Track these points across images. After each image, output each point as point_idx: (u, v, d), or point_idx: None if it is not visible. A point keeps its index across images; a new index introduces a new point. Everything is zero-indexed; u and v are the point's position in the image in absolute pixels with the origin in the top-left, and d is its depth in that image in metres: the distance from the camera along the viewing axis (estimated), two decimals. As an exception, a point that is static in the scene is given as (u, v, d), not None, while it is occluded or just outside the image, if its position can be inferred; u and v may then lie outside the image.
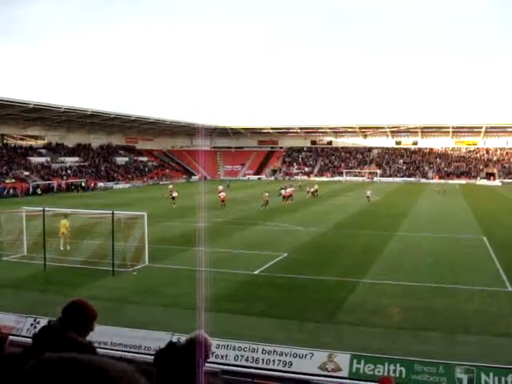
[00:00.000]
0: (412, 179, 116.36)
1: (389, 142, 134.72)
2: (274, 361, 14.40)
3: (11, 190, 79.00)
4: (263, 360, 14.48)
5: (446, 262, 29.28)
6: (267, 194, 57.78)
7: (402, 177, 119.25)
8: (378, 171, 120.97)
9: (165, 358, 4.37)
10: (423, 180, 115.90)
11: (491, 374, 12.97)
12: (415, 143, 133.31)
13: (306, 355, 14.33)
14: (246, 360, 14.57)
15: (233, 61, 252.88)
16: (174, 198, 60.27)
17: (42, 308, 19.70)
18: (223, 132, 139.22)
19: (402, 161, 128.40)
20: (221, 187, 71.59)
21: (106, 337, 15.98)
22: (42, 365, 1.61)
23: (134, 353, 15.08)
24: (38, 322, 16.85)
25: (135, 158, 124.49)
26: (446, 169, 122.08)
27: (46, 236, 27.90)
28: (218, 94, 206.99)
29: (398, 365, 13.68)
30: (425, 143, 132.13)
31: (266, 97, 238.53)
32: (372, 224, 44.02)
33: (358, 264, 28.48)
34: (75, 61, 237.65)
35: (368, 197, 65.97)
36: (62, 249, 30.44)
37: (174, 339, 14.24)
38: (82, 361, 1.61)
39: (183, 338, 5.29)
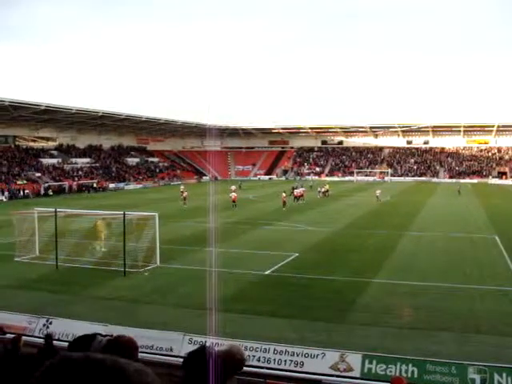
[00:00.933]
0: (423, 178, 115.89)
1: (400, 142, 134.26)
2: (285, 361, 14.38)
3: (22, 192, 79.28)
4: (275, 360, 14.46)
5: (458, 261, 29.16)
6: (284, 195, 57.83)
7: (413, 176, 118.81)
8: (389, 171, 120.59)
9: (195, 361, 4.33)
10: (434, 179, 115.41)
11: (504, 375, 12.87)
12: (426, 142, 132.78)
13: (318, 355, 14.30)
14: (258, 360, 14.55)
15: (243, 61, 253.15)
16: (185, 198, 60.40)
17: (55, 308, 19.82)
18: (234, 132, 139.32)
19: (413, 160, 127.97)
20: (233, 187, 71.88)
21: (117, 337, 16.00)
22: (61, 363, 1.62)
23: (146, 353, 15.10)
24: (51, 323, 16.94)
25: (146, 158, 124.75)
26: (457, 168, 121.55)
27: (58, 237, 28.04)
28: (228, 94, 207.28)
29: (410, 365, 13.61)
30: (436, 142, 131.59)
31: (276, 97, 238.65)
32: (383, 224, 43.92)
33: (369, 264, 28.42)
34: (86, 62, 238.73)
35: (377, 196, 66.00)
36: (97, 249, 30.41)
37: (208, 343, 14.27)
38: (99, 359, 1.62)
39: (217, 345, 5.27)
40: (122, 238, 26.30)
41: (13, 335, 11.45)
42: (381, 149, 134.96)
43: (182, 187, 79.34)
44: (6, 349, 7.85)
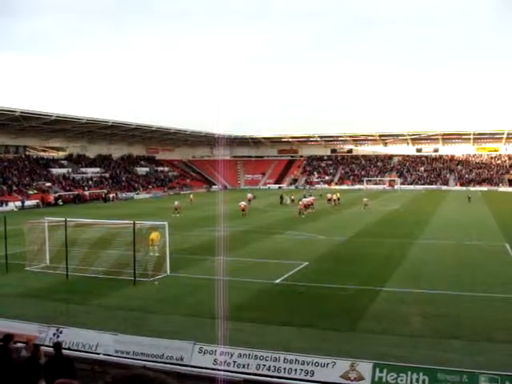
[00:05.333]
0: (433, 187, 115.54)
1: (409, 150, 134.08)
2: (295, 370, 14.36)
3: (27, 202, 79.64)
4: (285, 369, 14.45)
5: (468, 269, 29.04)
6: (302, 202, 57.99)
7: (423, 184, 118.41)
8: (399, 179, 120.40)
9: None
10: (444, 187, 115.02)
11: (516, 383, 12.82)
12: (436, 150, 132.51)
13: (328, 364, 14.27)
14: (268, 369, 14.54)
15: (253, 70, 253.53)
16: (176, 208, 60.96)
17: (65, 317, 19.87)
18: (243, 141, 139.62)
19: (422, 168, 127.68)
20: (249, 195, 72.44)
21: (128, 346, 16.06)
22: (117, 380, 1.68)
23: (156, 362, 15.12)
24: (61, 332, 16.98)
25: (156, 168, 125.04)
26: (467, 176, 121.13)
27: (69, 246, 28.13)
28: (238, 103, 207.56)
29: (420, 373, 13.56)
30: (446, 150, 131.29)
31: (285, 106, 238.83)
32: (393, 232, 43.83)
33: (379, 272, 28.36)
34: (96, 72, 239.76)
35: (366, 205, 66.32)
36: (151, 254, 30.46)
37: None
38: (150, 377, 1.71)
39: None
40: (132, 247, 26.33)
41: (23, 344, 11.49)
42: (390, 157, 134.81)
43: (191, 196, 79.85)
44: (27, 357, 7.91)
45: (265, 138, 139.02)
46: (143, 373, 1.69)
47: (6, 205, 74.60)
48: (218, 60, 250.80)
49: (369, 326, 19.36)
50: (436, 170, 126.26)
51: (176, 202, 63.37)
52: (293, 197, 76.61)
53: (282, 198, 75.86)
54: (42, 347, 14.57)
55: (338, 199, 72.48)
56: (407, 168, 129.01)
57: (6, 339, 11.04)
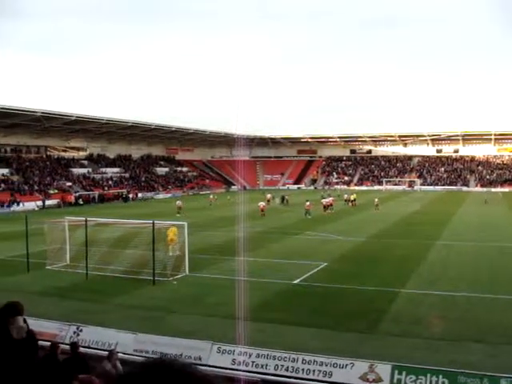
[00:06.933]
0: (453, 188, 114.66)
1: (429, 151, 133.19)
2: (314, 371, 14.33)
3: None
4: (303, 370, 14.42)
5: (489, 271, 28.80)
6: (308, 203, 57.84)
7: (443, 185, 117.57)
8: (419, 180, 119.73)
9: None
10: (464, 188, 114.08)
11: (538, 386, 12.69)
12: (456, 151, 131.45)
13: (347, 365, 14.22)
14: (286, 370, 14.52)
15: (272, 70, 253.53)
16: (179, 208, 61.51)
17: (85, 316, 19.98)
18: (262, 142, 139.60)
19: (442, 169, 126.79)
20: (269, 195, 72.70)
21: (146, 345, 16.12)
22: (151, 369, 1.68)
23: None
24: (81, 330, 17.10)
25: (175, 168, 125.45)
26: (488, 177, 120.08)
27: (89, 245, 28.33)
28: (257, 103, 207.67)
29: (440, 376, 13.46)
30: (466, 151, 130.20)
31: (304, 106, 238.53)
32: (413, 233, 43.59)
33: (398, 273, 28.20)
34: (115, 73, 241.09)
35: (376, 205, 66.44)
36: (171, 254, 30.65)
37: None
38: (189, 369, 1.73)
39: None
40: (151, 247, 26.43)
41: (44, 342, 11.58)
42: (410, 158, 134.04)
43: (210, 196, 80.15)
44: (44, 354, 7.99)
45: (284, 139, 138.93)
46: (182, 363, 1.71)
47: (23, 205, 75.40)
48: (236, 61, 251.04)
49: (388, 328, 19.26)
50: (456, 170, 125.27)
51: (178, 202, 64.21)
52: (287, 197, 77.43)
53: (283, 198, 76.54)
54: (62, 345, 14.70)
55: (355, 200, 72.26)
56: (427, 169, 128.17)
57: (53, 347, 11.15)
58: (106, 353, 15.65)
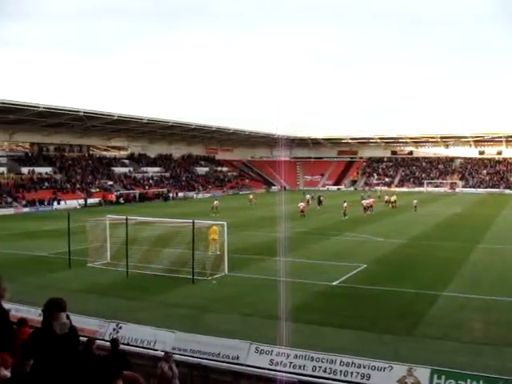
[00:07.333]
0: (496, 190, 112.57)
1: (472, 152, 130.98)
2: (351, 373, 14.24)
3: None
4: (341, 372, 14.35)
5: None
6: (346, 204, 57.60)
7: (486, 188, 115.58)
8: (460, 182, 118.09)
9: None
10: (507, 191, 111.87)
11: None
12: (499, 153, 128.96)
13: (385, 368, 14.10)
14: (324, 371, 14.47)
15: (312, 70, 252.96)
16: (215, 207, 61.54)
17: (125, 314, 20.22)
18: (303, 142, 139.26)
19: (485, 171, 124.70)
20: (308, 196, 72.33)
21: (185, 344, 16.22)
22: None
23: (213, 360, 15.22)
24: (121, 327, 17.29)
25: (215, 168, 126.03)
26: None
27: (129, 244, 28.65)
28: (297, 104, 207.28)
29: (481, 381, 13.22)
30: (510, 153, 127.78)
31: (345, 107, 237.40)
32: (453, 236, 43.03)
33: (438, 276, 27.88)
34: (156, 72, 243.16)
35: (415, 206, 65.87)
36: (210, 253, 30.97)
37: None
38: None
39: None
40: (190, 246, 26.64)
41: (84, 338, 11.74)
42: (452, 159, 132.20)
43: (250, 196, 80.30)
44: (81, 350, 8.10)
45: (324, 139, 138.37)
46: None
47: (65, 203, 76.68)
48: (278, 60, 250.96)
49: (427, 331, 19.03)
50: (499, 173, 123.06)
51: (215, 202, 64.18)
52: (322, 197, 75.97)
53: (319, 199, 75.15)
54: (101, 341, 14.91)
55: (395, 201, 71.65)
56: (469, 171, 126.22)
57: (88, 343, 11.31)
58: (147, 351, 15.85)
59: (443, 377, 13.56)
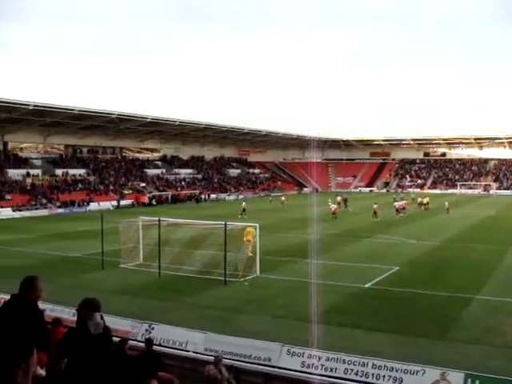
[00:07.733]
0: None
1: (506, 154, 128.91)
2: (384, 376, 14.15)
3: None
4: (373, 375, 14.27)
5: None
6: (376, 206, 57.26)
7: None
8: (494, 184, 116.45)
9: None
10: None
11: None
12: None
13: (418, 372, 13.98)
14: (356, 374, 14.41)
15: (345, 72, 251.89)
16: (244, 209, 61.49)
17: (157, 314, 20.36)
18: (335, 144, 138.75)
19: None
20: (339, 198, 72.15)
21: (217, 345, 16.28)
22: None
23: (244, 362, 15.26)
24: (153, 328, 17.42)
25: (247, 170, 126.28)
26: None
27: (162, 245, 28.83)
28: (329, 106, 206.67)
29: (515, 386, 13.07)
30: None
31: (378, 108, 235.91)
32: (487, 238, 42.42)
33: (472, 279, 27.55)
34: (188, 75, 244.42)
35: (447, 208, 65.22)
36: (250, 254, 31.08)
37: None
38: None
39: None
40: (223, 248, 26.73)
41: (118, 339, 11.86)
42: (486, 161, 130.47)
43: (282, 198, 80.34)
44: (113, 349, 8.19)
45: (356, 141, 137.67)
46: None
47: (99, 204, 77.54)
48: (310, 62, 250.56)
49: (460, 335, 18.82)
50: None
51: (244, 203, 64.26)
52: (347, 199, 75.50)
53: (345, 201, 74.44)
54: (134, 342, 15.04)
55: (428, 203, 71.01)
56: (504, 172, 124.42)
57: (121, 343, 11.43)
58: (179, 352, 15.95)
59: (477, 381, 13.39)
